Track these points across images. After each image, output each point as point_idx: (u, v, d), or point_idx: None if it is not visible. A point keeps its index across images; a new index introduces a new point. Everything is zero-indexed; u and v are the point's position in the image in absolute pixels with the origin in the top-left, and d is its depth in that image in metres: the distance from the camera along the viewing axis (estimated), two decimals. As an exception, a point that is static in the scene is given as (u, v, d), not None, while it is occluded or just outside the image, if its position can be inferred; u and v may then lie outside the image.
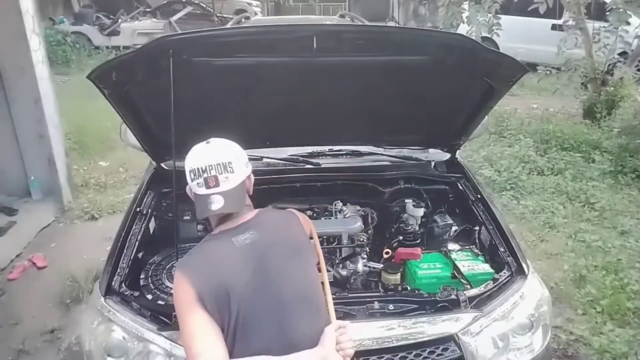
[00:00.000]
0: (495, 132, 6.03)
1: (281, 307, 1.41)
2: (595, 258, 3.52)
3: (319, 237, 2.17)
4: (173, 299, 1.42)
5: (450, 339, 1.72)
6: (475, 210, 2.31)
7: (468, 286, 1.95)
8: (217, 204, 1.41)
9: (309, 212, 2.43)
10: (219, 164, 1.44)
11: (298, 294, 1.45)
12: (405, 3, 15.81)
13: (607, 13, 5.57)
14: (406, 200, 2.46)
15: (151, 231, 2.28)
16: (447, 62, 1.90)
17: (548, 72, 6.46)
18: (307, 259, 1.56)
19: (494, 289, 1.88)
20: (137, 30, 11.67)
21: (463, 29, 5.95)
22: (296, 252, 1.52)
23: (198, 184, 1.43)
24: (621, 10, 5.32)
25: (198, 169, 1.43)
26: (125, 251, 2.01)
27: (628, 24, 5.55)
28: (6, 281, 3.47)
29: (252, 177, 1.58)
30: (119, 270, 1.91)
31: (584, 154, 5.37)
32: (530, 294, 1.87)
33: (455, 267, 2.06)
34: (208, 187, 1.42)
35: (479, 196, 2.37)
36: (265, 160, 2.55)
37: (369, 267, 2.14)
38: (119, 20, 11.91)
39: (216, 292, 1.35)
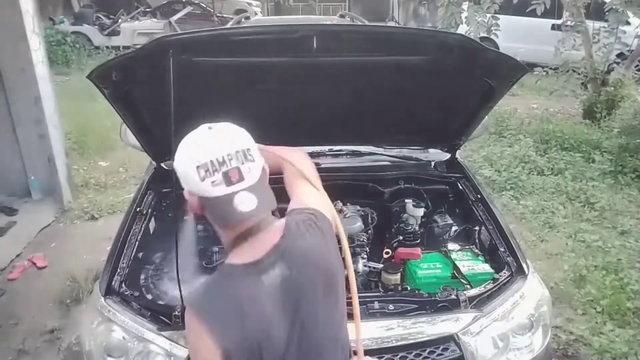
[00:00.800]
0: (495, 132, 6.03)
1: (316, 356, 1.19)
2: (595, 258, 3.53)
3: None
4: (188, 345, 1.18)
5: (450, 339, 1.72)
6: (475, 210, 2.31)
7: (468, 286, 1.95)
8: (249, 203, 1.07)
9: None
10: (238, 151, 1.10)
11: (332, 337, 1.23)
12: (405, 3, 15.82)
13: (606, 13, 5.57)
14: (406, 200, 2.46)
15: (151, 231, 2.28)
16: (447, 62, 1.90)
17: (545, 73, 6.46)
18: (340, 292, 1.26)
19: (494, 289, 1.88)
20: (137, 30, 11.68)
21: (463, 29, 5.95)
22: (331, 286, 1.21)
23: (214, 182, 1.07)
24: (620, 10, 5.33)
25: (212, 161, 1.08)
26: (125, 251, 2.00)
27: (628, 24, 5.55)
28: (6, 281, 3.47)
29: (267, 167, 1.21)
30: (119, 270, 1.91)
31: (584, 154, 5.37)
32: (530, 294, 1.87)
33: (455, 267, 2.06)
34: (230, 183, 1.07)
35: (479, 196, 2.37)
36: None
37: (369, 267, 2.14)
38: (119, 20, 11.92)
39: (248, 350, 1.09)
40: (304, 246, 1.18)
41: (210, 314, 1.10)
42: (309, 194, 1.33)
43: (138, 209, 2.23)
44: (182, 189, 1.16)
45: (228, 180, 1.07)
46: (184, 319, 1.15)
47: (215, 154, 1.09)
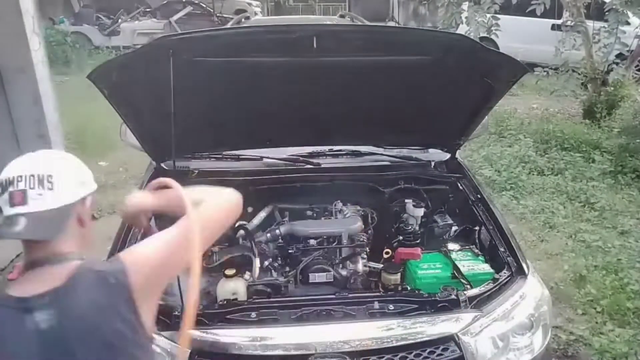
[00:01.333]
0: (495, 132, 6.04)
1: None
2: (595, 258, 3.53)
3: (318, 237, 2.18)
4: None
5: (450, 339, 1.72)
6: (475, 210, 2.31)
7: (468, 286, 1.95)
8: (16, 226, 1.05)
9: (308, 212, 2.43)
10: (33, 175, 1.08)
11: None
12: (405, 3, 15.81)
13: (606, 13, 5.58)
14: (406, 200, 2.46)
15: (151, 231, 2.28)
16: (447, 62, 1.90)
17: (545, 73, 6.47)
18: (124, 357, 1.12)
19: (494, 289, 1.88)
20: (137, 30, 11.68)
21: (463, 29, 5.95)
22: (110, 350, 1.09)
23: (5, 200, 1.07)
24: (620, 10, 5.33)
25: (5, 180, 1.08)
26: (125, 251, 2.00)
27: (628, 24, 5.55)
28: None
29: (90, 204, 1.18)
30: (119, 270, 1.91)
31: (584, 154, 5.37)
32: (530, 294, 1.87)
33: (455, 267, 2.06)
34: (12, 204, 1.06)
35: (479, 196, 2.37)
36: (265, 160, 2.55)
37: (369, 267, 2.14)
38: (119, 20, 11.92)
39: None
40: (84, 300, 1.08)
41: None
42: (144, 245, 1.20)
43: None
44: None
45: (11, 200, 1.07)
46: None
47: (10, 174, 1.09)
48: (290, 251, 2.12)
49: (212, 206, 1.27)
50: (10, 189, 1.08)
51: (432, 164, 2.69)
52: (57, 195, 1.09)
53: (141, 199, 1.36)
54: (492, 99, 2.14)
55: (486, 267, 2.05)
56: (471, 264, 2.06)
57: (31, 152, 1.16)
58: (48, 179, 1.09)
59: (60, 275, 1.09)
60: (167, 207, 1.33)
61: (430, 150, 2.71)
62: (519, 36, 8.47)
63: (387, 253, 2.21)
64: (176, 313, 1.69)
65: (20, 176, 1.08)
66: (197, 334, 1.66)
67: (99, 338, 1.08)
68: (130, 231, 2.11)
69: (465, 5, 6.01)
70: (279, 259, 2.15)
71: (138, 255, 1.16)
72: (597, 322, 2.92)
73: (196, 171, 2.43)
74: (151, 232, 1.40)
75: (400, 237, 2.35)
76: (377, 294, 1.94)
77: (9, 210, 1.07)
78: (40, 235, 1.09)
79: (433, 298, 1.84)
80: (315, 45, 1.73)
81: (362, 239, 2.21)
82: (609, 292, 3.11)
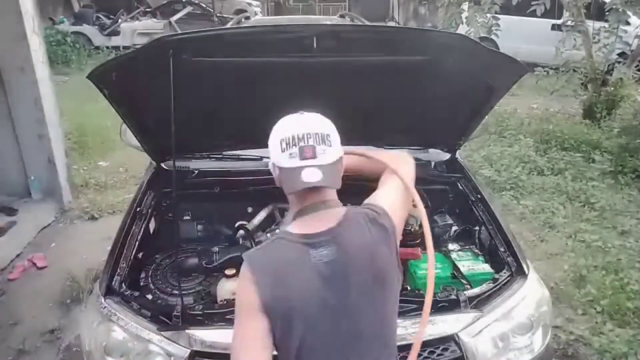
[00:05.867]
0: (495, 132, 6.04)
1: (351, 346, 1.25)
2: (595, 258, 3.53)
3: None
4: (236, 294, 1.28)
5: (450, 339, 1.72)
6: (475, 211, 2.31)
7: (468, 286, 1.95)
8: (313, 176, 1.20)
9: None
10: (318, 134, 1.25)
11: (372, 332, 1.28)
12: (405, 3, 15.81)
13: (607, 13, 5.58)
14: (406, 200, 2.46)
15: (151, 231, 2.28)
16: (447, 62, 1.89)
17: (545, 73, 6.46)
18: (390, 293, 1.32)
19: (494, 289, 1.88)
20: (137, 30, 11.68)
21: (463, 30, 5.96)
22: (381, 284, 1.28)
23: (291, 154, 1.23)
24: (620, 10, 5.33)
25: (293, 136, 1.24)
26: (125, 251, 2.00)
27: (628, 24, 5.56)
28: (6, 281, 3.47)
29: (343, 163, 1.36)
30: (119, 270, 1.91)
31: (584, 154, 5.37)
32: (530, 294, 1.87)
33: (455, 267, 2.06)
34: (303, 157, 1.22)
35: (479, 196, 2.37)
36: (265, 160, 2.55)
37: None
38: (119, 20, 11.91)
39: (282, 310, 1.20)
40: (357, 238, 1.27)
41: (259, 268, 1.23)
42: (386, 196, 1.41)
43: (138, 209, 2.23)
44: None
45: (302, 154, 1.22)
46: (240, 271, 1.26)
47: (298, 130, 1.25)
48: (290, 251, 2.12)
49: (401, 163, 1.52)
50: (301, 144, 1.23)
51: (432, 164, 2.68)
52: (333, 151, 1.26)
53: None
54: (492, 99, 2.14)
55: (486, 267, 2.05)
56: (471, 264, 2.06)
57: (296, 113, 1.32)
58: (327, 137, 1.26)
59: (333, 218, 1.27)
60: (363, 168, 1.60)
61: (430, 150, 2.71)
62: (519, 36, 8.47)
63: (387, 253, 2.21)
64: (176, 313, 1.69)
65: (309, 133, 1.24)
66: (197, 334, 1.66)
67: (371, 272, 1.25)
68: (130, 231, 2.11)
69: (465, 6, 6.01)
70: (279, 259, 2.15)
71: (389, 202, 1.37)
72: (597, 322, 2.92)
73: (196, 171, 2.43)
74: None
75: (400, 237, 2.34)
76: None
77: (298, 162, 1.22)
78: (331, 184, 1.25)
79: (433, 298, 1.83)
80: (315, 45, 1.73)
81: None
82: (609, 292, 3.11)
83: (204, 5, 12.77)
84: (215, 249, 2.14)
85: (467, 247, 2.22)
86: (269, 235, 2.19)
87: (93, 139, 5.91)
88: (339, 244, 1.24)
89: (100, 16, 12.18)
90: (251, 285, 1.20)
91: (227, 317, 1.72)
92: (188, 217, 2.40)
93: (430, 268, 1.34)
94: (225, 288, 1.88)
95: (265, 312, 1.19)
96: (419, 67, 1.95)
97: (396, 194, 1.41)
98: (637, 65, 6.76)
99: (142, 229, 2.14)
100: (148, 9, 13.12)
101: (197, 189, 2.39)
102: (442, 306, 1.81)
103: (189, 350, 1.64)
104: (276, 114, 2.18)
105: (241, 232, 2.29)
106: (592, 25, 6.20)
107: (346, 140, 2.70)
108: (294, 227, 1.28)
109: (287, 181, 1.25)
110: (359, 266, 1.24)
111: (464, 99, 2.19)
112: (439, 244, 2.28)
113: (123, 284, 1.86)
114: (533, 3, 5.59)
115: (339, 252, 1.23)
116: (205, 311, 1.74)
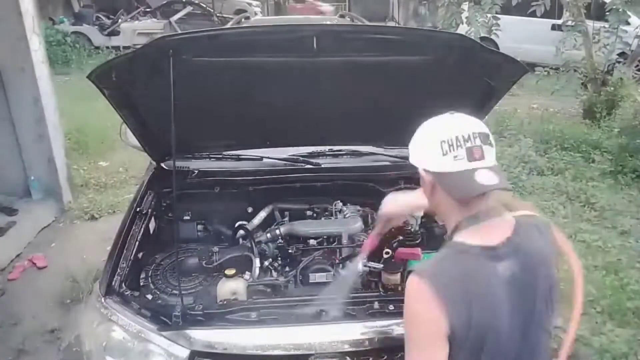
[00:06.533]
0: (495, 132, 6.03)
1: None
2: (595, 258, 3.53)
3: (318, 237, 2.18)
4: (406, 309, 1.15)
5: (450, 338, 1.71)
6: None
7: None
8: (490, 179, 1.09)
9: (308, 212, 2.43)
10: (482, 133, 1.14)
11: (543, 347, 1.26)
12: (405, 3, 15.82)
13: (607, 13, 5.58)
14: (406, 200, 2.46)
15: (151, 231, 2.28)
16: (447, 62, 1.89)
17: (546, 73, 6.46)
18: (553, 303, 1.27)
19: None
20: (137, 30, 11.68)
21: (463, 29, 5.96)
22: (549, 295, 1.23)
23: (456, 156, 1.11)
24: (620, 10, 5.34)
25: (457, 137, 1.12)
26: (125, 251, 2.00)
27: (628, 24, 5.56)
28: (6, 281, 3.47)
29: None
30: (119, 270, 1.91)
31: (584, 154, 5.38)
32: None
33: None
34: (472, 159, 1.10)
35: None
36: (265, 160, 2.55)
37: (369, 267, 2.13)
38: (119, 20, 11.92)
39: (475, 335, 1.08)
40: (534, 249, 1.20)
41: (443, 287, 1.09)
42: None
43: (138, 209, 2.23)
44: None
45: (471, 155, 1.11)
46: (407, 285, 1.14)
47: (461, 131, 1.13)
48: (290, 251, 2.12)
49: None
50: (467, 144, 1.11)
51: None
52: (494, 152, 1.16)
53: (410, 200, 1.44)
54: (492, 99, 2.14)
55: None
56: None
57: (446, 114, 1.23)
58: (488, 137, 1.16)
59: (507, 226, 1.18)
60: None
61: (431, 150, 2.70)
62: (519, 36, 8.48)
63: (387, 253, 2.21)
64: (176, 313, 1.69)
65: (474, 133, 1.13)
66: (197, 334, 1.66)
67: (548, 283, 1.20)
68: (130, 231, 2.11)
69: (465, 5, 6.01)
70: (279, 259, 2.15)
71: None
72: (597, 322, 2.92)
73: (196, 171, 2.43)
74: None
75: (400, 237, 2.34)
76: (377, 294, 1.94)
77: (466, 165, 1.11)
78: (507, 186, 1.16)
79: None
80: (315, 45, 1.73)
81: (362, 239, 2.21)
82: (609, 292, 3.11)
83: (204, 5, 12.78)
84: (215, 249, 2.14)
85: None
86: (269, 235, 2.18)
87: (93, 139, 5.90)
88: (519, 256, 1.15)
89: (100, 16, 12.19)
90: (436, 309, 1.07)
91: (227, 317, 1.73)
92: (188, 217, 2.40)
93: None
94: (225, 288, 1.88)
95: (452, 337, 1.07)
96: (419, 67, 1.95)
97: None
98: (637, 65, 6.77)
99: (142, 229, 2.14)
100: (148, 9, 13.12)
101: (197, 189, 2.39)
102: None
103: (189, 350, 1.63)
104: (276, 113, 2.19)
105: (241, 232, 2.29)
106: (592, 25, 6.21)
107: (346, 140, 2.72)
108: (467, 237, 1.16)
109: (454, 186, 1.13)
110: (539, 278, 1.18)
111: (464, 99, 2.19)
112: (439, 244, 2.27)
113: (123, 284, 1.86)
114: (533, 3, 5.60)
115: (520, 264, 1.14)
116: (205, 311, 1.74)
